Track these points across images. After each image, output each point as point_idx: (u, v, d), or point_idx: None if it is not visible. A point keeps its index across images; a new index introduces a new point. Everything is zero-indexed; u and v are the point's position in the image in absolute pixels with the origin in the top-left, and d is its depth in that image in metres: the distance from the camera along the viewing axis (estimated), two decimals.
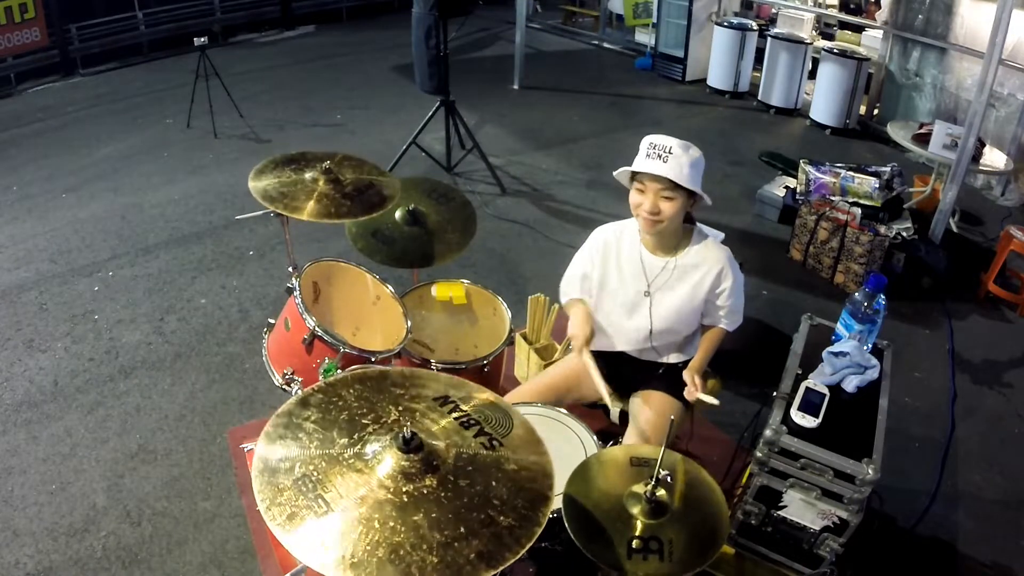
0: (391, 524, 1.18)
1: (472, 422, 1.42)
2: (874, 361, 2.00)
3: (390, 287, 2.51)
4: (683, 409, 2.16)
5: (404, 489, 1.23)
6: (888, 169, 4.40)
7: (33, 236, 4.40)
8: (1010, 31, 3.86)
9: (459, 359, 2.50)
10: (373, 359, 2.18)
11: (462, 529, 1.19)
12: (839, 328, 2.16)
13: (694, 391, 1.97)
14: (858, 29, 6.58)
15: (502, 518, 1.23)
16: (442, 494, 1.24)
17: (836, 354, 2.00)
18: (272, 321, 2.39)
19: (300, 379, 2.12)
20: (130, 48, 8.15)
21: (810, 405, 1.88)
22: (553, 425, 2.04)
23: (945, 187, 4.28)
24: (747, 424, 2.12)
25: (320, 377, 2.05)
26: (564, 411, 2.09)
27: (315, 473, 1.25)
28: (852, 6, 6.77)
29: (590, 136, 6.12)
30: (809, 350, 2.17)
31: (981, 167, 4.49)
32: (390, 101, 6.77)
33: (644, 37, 8.29)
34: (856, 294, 2.09)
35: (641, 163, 1.94)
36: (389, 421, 1.37)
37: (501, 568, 1.16)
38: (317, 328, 2.11)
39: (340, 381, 1.48)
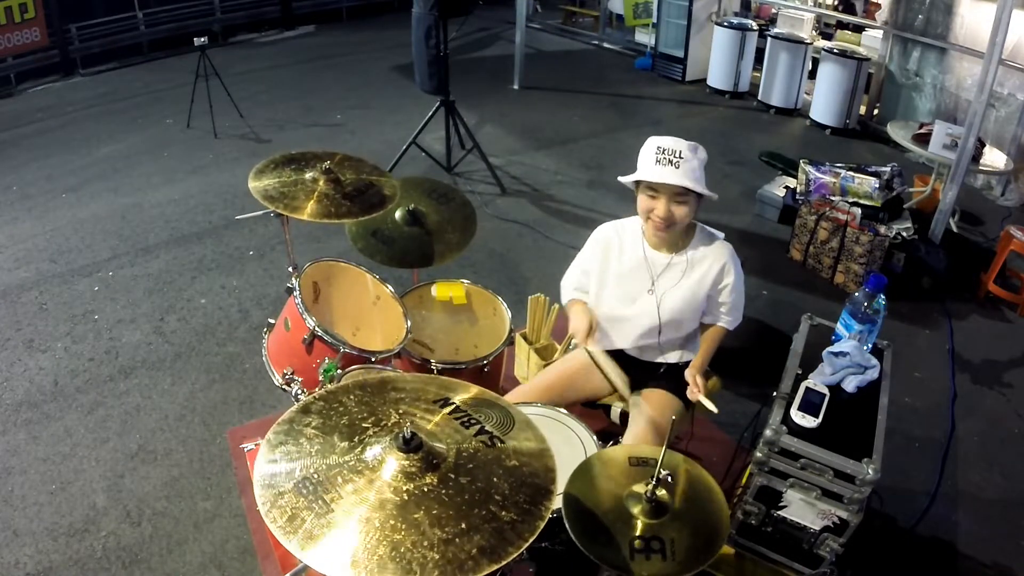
0: (391, 523, 1.18)
1: (472, 421, 1.42)
2: (874, 361, 2.00)
3: (390, 287, 2.51)
4: (684, 409, 2.16)
5: (405, 488, 1.24)
6: (888, 169, 4.40)
7: (33, 236, 4.40)
8: (1010, 31, 3.86)
9: (459, 359, 2.50)
10: (373, 359, 2.18)
11: (463, 525, 1.19)
12: (839, 328, 2.16)
13: (696, 391, 1.98)
14: (858, 29, 6.58)
15: (504, 513, 1.23)
16: (443, 491, 1.25)
17: (836, 354, 2.00)
18: (272, 321, 2.40)
19: (300, 379, 2.12)
20: (130, 48, 8.16)
21: (810, 405, 1.88)
22: (553, 425, 2.04)
23: (945, 187, 4.28)
24: (747, 424, 2.12)
25: (320, 377, 2.05)
26: (564, 411, 2.09)
27: (316, 476, 1.25)
28: (841, 7, 6.77)
29: (590, 136, 6.11)
30: (809, 350, 2.17)
31: (981, 167, 4.49)
32: (390, 101, 6.77)
33: (644, 37, 8.30)
34: (856, 294, 2.09)
35: (652, 170, 1.93)
36: (389, 424, 1.38)
37: (504, 563, 1.16)
38: (317, 328, 2.11)
39: (340, 389, 1.49)
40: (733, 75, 7.01)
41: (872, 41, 6.22)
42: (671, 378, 2.19)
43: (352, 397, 1.45)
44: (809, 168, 4.45)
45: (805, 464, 1.83)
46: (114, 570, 2.32)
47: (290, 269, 2.50)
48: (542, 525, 1.23)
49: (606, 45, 8.92)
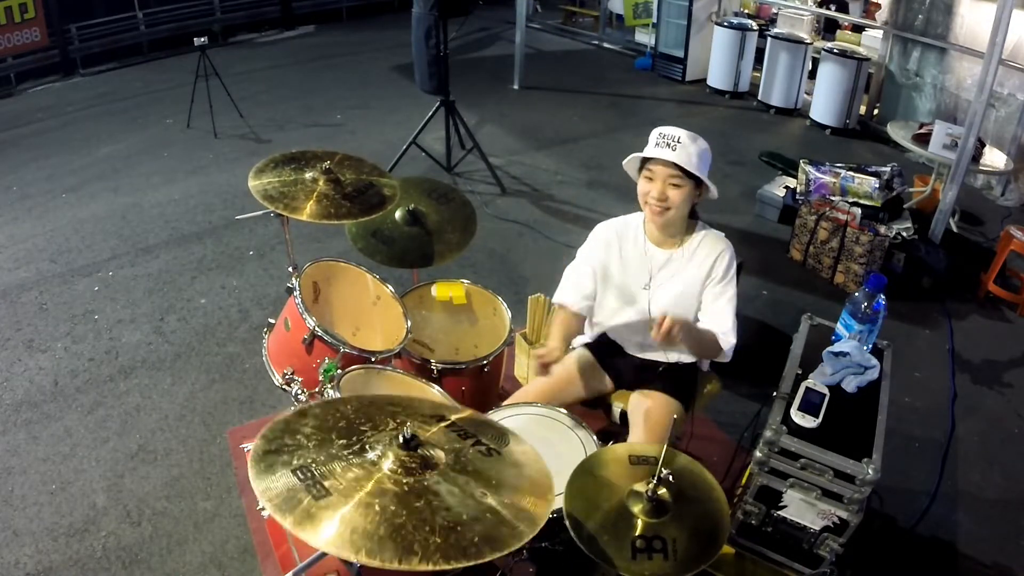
0: (392, 508, 1.17)
1: (468, 434, 1.43)
2: (874, 361, 2.00)
3: (390, 287, 2.51)
4: (683, 411, 2.16)
5: (405, 481, 1.24)
6: (888, 169, 4.40)
7: (33, 236, 4.40)
8: (1010, 31, 3.86)
9: (459, 359, 2.50)
10: (373, 359, 2.18)
11: (465, 516, 1.19)
12: (839, 328, 2.15)
13: (658, 327, 1.81)
14: (858, 29, 6.58)
15: (504, 512, 1.24)
16: (443, 488, 1.25)
17: (836, 354, 2.00)
18: (272, 321, 2.40)
19: (300, 379, 2.12)
20: (130, 48, 8.16)
21: (810, 405, 1.88)
22: (553, 425, 2.04)
23: (945, 187, 4.28)
24: (747, 424, 2.12)
25: (320, 377, 2.05)
26: (564, 411, 2.09)
27: (313, 465, 1.25)
28: (834, 6, 6.78)
29: (590, 136, 6.12)
30: (809, 350, 2.17)
31: (981, 167, 4.49)
32: (390, 101, 6.77)
33: (644, 37, 8.29)
34: (856, 294, 2.09)
35: (650, 151, 1.98)
36: (388, 429, 1.38)
37: (506, 551, 1.15)
38: (317, 328, 2.11)
39: (336, 401, 1.50)
40: (733, 75, 7.01)
41: (872, 41, 6.22)
42: (670, 378, 2.19)
43: (350, 407, 1.46)
44: (809, 168, 4.45)
45: (805, 464, 1.83)
46: (114, 570, 2.32)
47: (290, 269, 2.50)
48: (543, 520, 1.24)
49: (606, 45, 8.92)
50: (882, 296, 2.07)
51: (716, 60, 7.11)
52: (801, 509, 1.90)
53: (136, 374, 3.23)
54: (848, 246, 3.91)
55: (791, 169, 4.96)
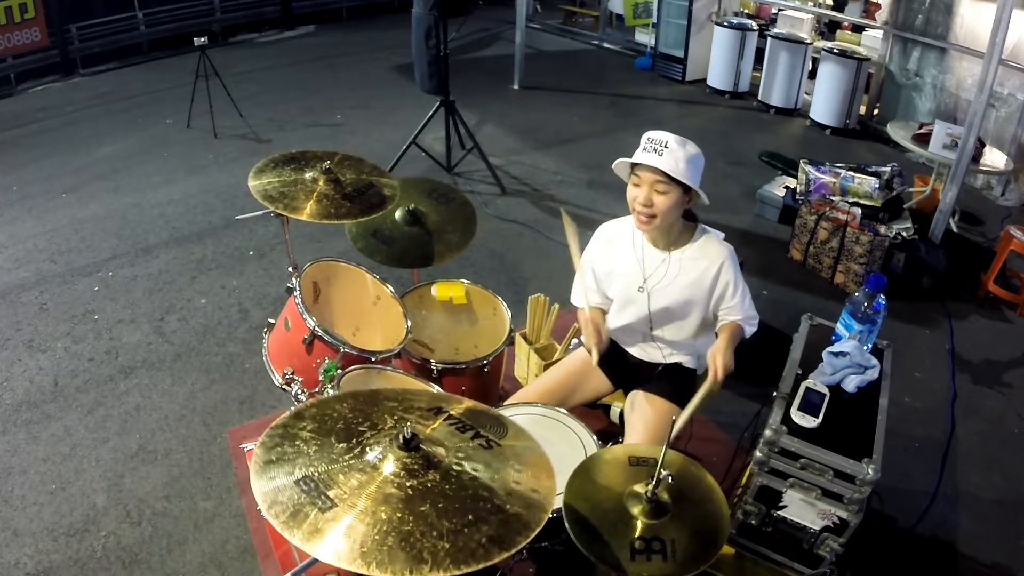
0: (398, 515, 1.17)
1: (467, 427, 1.43)
2: (874, 361, 2.00)
3: (390, 287, 2.51)
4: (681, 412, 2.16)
5: (408, 484, 1.23)
6: (888, 169, 4.40)
7: (33, 236, 4.40)
8: (1010, 31, 3.86)
9: (459, 359, 2.50)
10: (373, 359, 2.18)
11: (470, 516, 1.19)
12: (839, 328, 2.16)
13: (715, 373, 1.92)
14: (858, 29, 6.58)
15: (509, 506, 1.23)
16: (446, 487, 1.25)
17: (836, 354, 2.00)
18: (272, 321, 2.40)
19: (300, 379, 2.12)
20: (130, 48, 8.15)
21: (810, 405, 1.88)
22: (553, 425, 2.04)
23: (945, 187, 4.28)
24: (747, 424, 2.12)
25: (320, 377, 2.05)
26: (564, 411, 2.09)
27: (316, 474, 1.24)
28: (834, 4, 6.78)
29: (590, 136, 6.12)
30: (809, 350, 2.17)
31: (981, 167, 4.48)
32: (390, 101, 6.77)
33: (644, 37, 8.29)
34: (856, 294, 2.09)
35: (638, 156, 1.96)
36: (386, 428, 1.37)
37: (514, 550, 1.15)
38: (317, 328, 2.11)
39: (332, 398, 1.49)
40: (733, 75, 7.01)
41: (872, 41, 6.22)
42: (669, 379, 2.19)
43: (345, 405, 1.45)
44: (809, 168, 4.45)
45: (805, 464, 1.83)
46: (114, 570, 2.32)
47: (290, 269, 2.50)
48: (547, 516, 1.24)
49: (606, 45, 8.92)
50: (882, 296, 2.07)
51: (716, 60, 7.11)
52: (801, 509, 1.90)
53: (136, 374, 3.23)
54: (848, 246, 3.91)
55: (791, 169, 4.96)
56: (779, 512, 1.94)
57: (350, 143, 5.78)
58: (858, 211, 3.96)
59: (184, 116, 6.09)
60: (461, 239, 2.67)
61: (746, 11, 7.62)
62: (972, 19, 5.19)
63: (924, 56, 5.66)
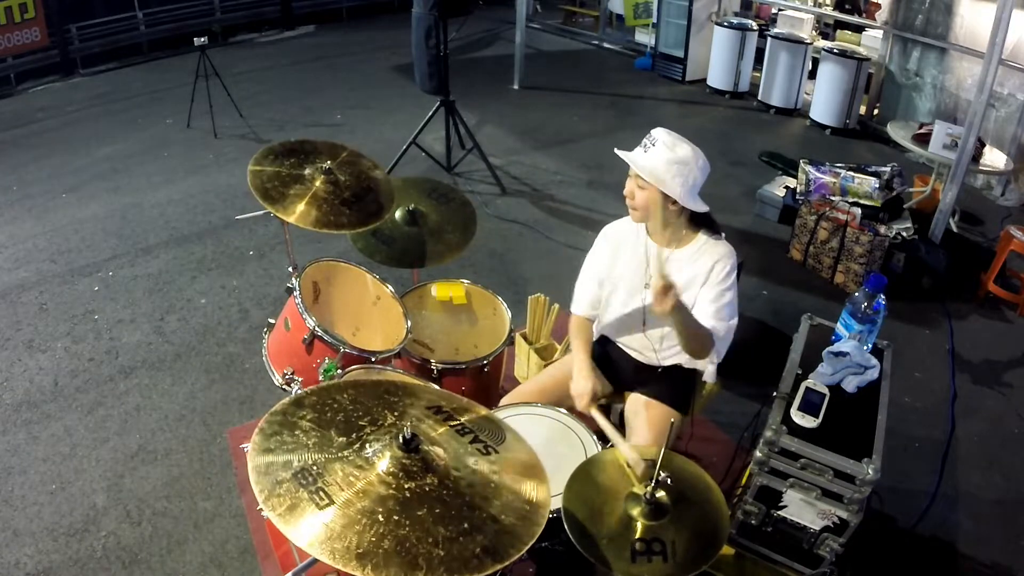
0: (395, 518, 1.17)
1: (467, 430, 1.43)
2: (874, 361, 2.00)
3: (390, 287, 2.51)
4: (681, 417, 2.16)
5: (406, 486, 1.23)
6: (888, 169, 4.40)
7: (33, 236, 4.40)
8: (1010, 31, 3.86)
9: (459, 359, 2.50)
10: (373, 359, 2.18)
11: (466, 525, 1.19)
12: (839, 328, 2.16)
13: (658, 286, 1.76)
14: (858, 29, 6.58)
15: (504, 516, 1.24)
16: (444, 492, 1.25)
17: (836, 354, 2.00)
18: (272, 321, 2.40)
19: (300, 379, 2.11)
20: (130, 48, 8.15)
21: (810, 405, 1.88)
22: (553, 425, 2.04)
23: (945, 187, 4.28)
24: (747, 424, 2.12)
25: (320, 377, 2.05)
26: (564, 411, 2.09)
27: (315, 467, 1.24)
28: (848, 6, 6.76)
29: (590, 136, 6.11)
30: (809, 350, 2.17)
31: (981, 167, 4.48)
32: (390, 101, 6.77)
33: (644, 37, 8.29)
34: (856, 294, 2.09)
35: (634, 150, 1.98)
36: (386, 424, 1.37)
37: (506, 563, 1.15)
38: (317, 328, 2.11)
39: (334, 386, 1.48)
40: (733, 75, 7.01)
41: (872, 41, 6.22)
42: (669, 381, 2.18)
43: (346, 396, 1.45)
44: (809, 168, 4.45)
45: (805, 464, 1.83)
46: (114, 570, 2.32)
47: (290, 269, 2.50)
48: (540, 530, 1.24)
49: (606, 45, 8.91)
50: (882, 296, 2.07)
51: (716, 60, 7.10)
52: (801, 509, 1.90)
53: (136, 374, 3.23)
54: (848, 246, 3.91)
55: (791, 169, 4.96)
56: (779, 512, 1.94)
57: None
58: (858, 211, 3.96)
59: (184, 116, 6.09)
60: (461, 239, 2.67)
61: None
62: (972, 19, 5.19)
63: (924, 56, 5.66)
